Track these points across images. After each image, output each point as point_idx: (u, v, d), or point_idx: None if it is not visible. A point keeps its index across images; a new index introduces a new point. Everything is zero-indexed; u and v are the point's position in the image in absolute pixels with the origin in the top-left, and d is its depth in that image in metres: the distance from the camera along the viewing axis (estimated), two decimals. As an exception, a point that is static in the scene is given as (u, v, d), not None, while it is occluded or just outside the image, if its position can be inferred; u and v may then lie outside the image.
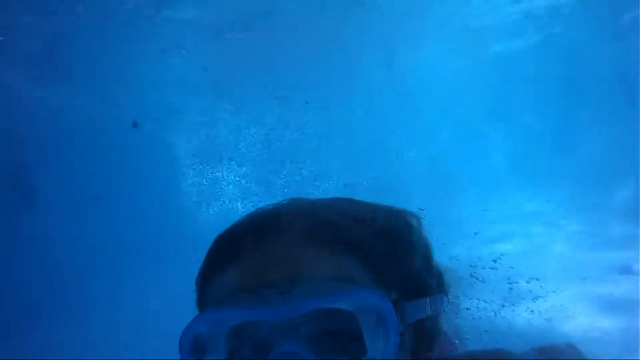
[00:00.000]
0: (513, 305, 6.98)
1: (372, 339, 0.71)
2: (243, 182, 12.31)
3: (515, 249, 11.31)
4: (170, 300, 10.81)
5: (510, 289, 7.28)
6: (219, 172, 12.52)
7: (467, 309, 1.05)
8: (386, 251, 0.81)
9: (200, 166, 12.62)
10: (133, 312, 10.81)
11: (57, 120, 11.93)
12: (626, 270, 8.64)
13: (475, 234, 10.57)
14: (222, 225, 0.89)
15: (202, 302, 0.84)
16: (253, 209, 0.91)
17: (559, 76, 18.03)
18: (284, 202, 0.90)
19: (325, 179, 11.50)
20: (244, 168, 12.34)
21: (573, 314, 7.58)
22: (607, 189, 14.10)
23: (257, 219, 0.85)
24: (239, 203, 11.91)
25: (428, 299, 0.80)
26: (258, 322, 0.73)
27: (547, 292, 7.60)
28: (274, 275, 0.74)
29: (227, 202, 12.30)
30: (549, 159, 17.18)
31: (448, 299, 0.86)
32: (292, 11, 10.19)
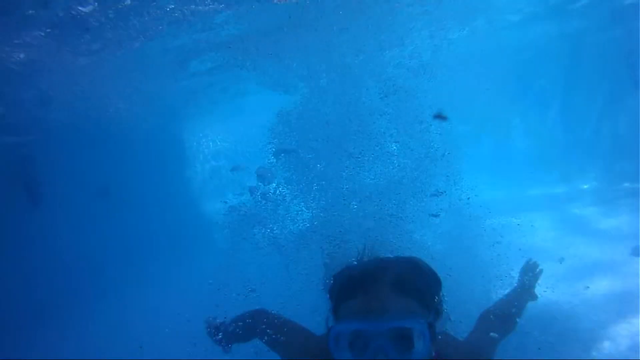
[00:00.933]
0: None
1: (418, 342, 1.64)
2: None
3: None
4: (178, 296, 10.48)
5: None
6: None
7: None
8: (431, 291, 1.78)
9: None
10: (141, 308, 10.56)
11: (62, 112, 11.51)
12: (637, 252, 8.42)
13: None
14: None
15: (338, 312, 1.77)
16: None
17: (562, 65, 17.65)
18: (374, 260, 1.93)
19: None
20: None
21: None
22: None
23: (365, 272, 1.77)
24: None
25: (442, 317, 1.81)
26: (366, 330, 1.64)
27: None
28: (376, 307, 1.66)
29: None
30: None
31: (448, 315, 1.86)
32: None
